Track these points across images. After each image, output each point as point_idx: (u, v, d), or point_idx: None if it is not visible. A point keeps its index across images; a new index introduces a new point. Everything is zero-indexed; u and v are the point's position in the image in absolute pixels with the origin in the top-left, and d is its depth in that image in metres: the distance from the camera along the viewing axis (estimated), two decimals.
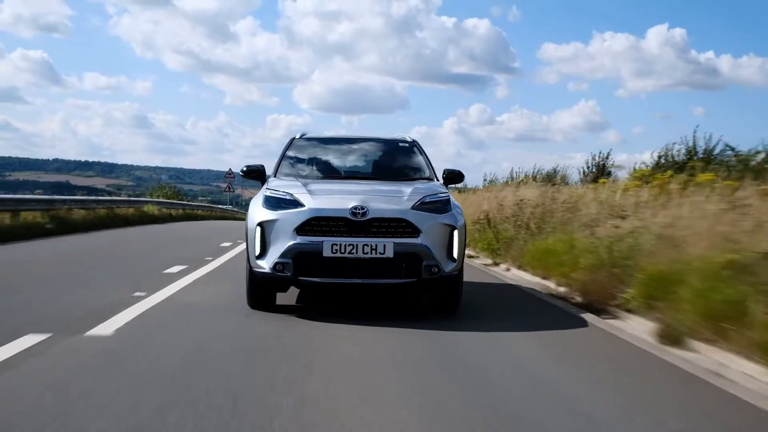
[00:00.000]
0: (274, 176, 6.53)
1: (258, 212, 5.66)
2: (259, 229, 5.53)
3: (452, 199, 5.96)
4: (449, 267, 5.59)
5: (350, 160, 7.23)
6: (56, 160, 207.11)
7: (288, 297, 6.26)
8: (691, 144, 11.21)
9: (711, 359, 4.40)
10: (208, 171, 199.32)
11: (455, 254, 5.64)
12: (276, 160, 7.06)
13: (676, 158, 11.30)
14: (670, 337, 4.81)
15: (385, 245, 5.31)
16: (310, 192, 5.65)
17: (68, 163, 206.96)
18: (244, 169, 6.68)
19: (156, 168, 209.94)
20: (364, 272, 5.36)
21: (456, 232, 5.67)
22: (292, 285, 5.67)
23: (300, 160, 6.93)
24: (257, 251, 5.53)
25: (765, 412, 3.45)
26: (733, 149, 9.59)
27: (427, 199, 5.69)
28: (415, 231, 5.45)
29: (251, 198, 6.47)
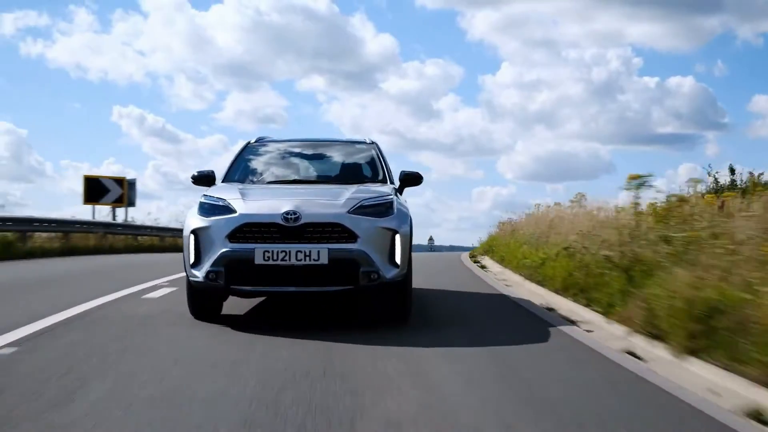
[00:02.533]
0: (222, 181, 6.34)
1: (192, 219, 5.44)
2: (192, 236, 5.32)
3: (397, 202, 5.70)
4: (391, 273, 5.31)
5: (301, 163, 6.98)
6: None
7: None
8: None
9: None
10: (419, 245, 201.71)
11: (398, 260, 5.37)
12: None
13: None
14: None
15: (319, 251, 5.06)
16: (243, 197, 5.45)
17: None
18: (195, 174, 6.41)
19: None
20: (298, 280, 5.13)
21: (398, 237, 5.40)
22: (227, 294, 5.49)
23: (251, 166, 6.71)
24: (192, 260, 5.32)
25: None
26: None
27: (367, 203, 5.44)
28: (351, 236, 5.20)
29: None
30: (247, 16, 68.11)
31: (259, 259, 5.05)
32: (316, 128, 67.53)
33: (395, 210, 5.55)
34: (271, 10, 69.65)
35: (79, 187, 21.48)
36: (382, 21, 72.52)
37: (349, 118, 70.10)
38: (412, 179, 6.45)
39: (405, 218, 5.61)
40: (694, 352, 4.22)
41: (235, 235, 5.16)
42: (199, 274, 5.25)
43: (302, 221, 5.15)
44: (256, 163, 6.81)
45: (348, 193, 5.59)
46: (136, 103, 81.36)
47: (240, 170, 6.58)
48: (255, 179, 6.47)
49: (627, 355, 4.60)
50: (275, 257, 5.05)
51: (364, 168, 6.77)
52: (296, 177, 6.64)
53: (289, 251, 5.05)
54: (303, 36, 68.09)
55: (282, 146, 7.16)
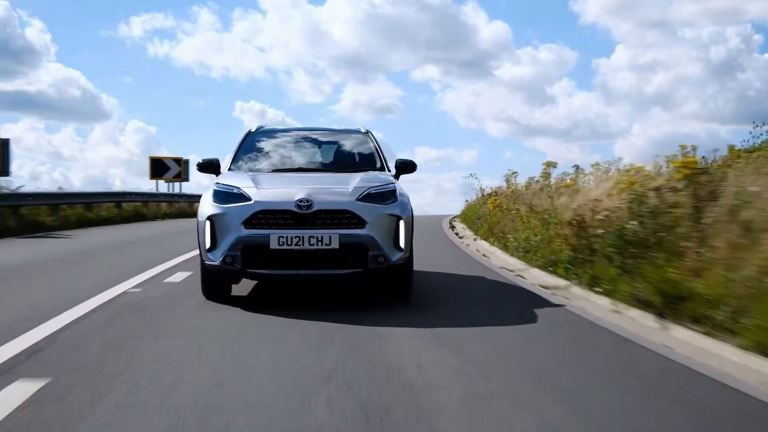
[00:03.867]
0: (228, 170, 6.50)
1: (207, 206, 5.70)
2: (208, 222, 5.58)
3: (399, 188, 5.98)
4: (396, 256, 5.62)
5: (303, 152, 7.18)
6: None
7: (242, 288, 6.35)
8: None
9: None
10: None
11: (402, 244, 5.67)
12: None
13: None
14: None
15: (330, 236, 5.35)
16: (256, 185, 5.68)
17: None
18: (200, 162, 6.63)
19: None
20: (311, 263, 5.41)
21: (402, 222, 5.70)
22: (242, 277, 5.74)
23: (254, 154, 6.91)
24: (208, 244, 5.58)
25: None
26: None
27: (373, 190, 5.71)
28: (360, 222, 5.49)
29: None
30: (361, 9, 66.60)
31: (274, 244, 5.33)
32: (431, 117, 72.34)
33: (398, 197, 5.86)
34: (384, 2, 67.44)
35: (205, 180, 26.50)
36: (494, 8, 72.45)
37: (463, 106, 72.13)
38: (407, 167, 6.66)
39: (406, 205, 5.92)
40: None
41: (250, 222, 5.43)
42: (215, 258, 5.52)
43: (314, 208, 5.43)
44: (260, 152, 7.03)
45: (355, 182, 5.85)
46: (256, 98, 79.84)
47: (245, 158, 6.81)
48: (261, 167, 6.67)
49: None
50: (289, 242, 5.33)
51: (363, 156, 7.01)
52: (300, 165, 6.81)
53: (303, 236, 5.34)
54: (416, 26, 66.32)
55: (282, 135, 7.37)
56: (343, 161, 6.91)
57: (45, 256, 9.77)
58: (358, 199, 5.59)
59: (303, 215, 5.39)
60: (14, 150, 20.94)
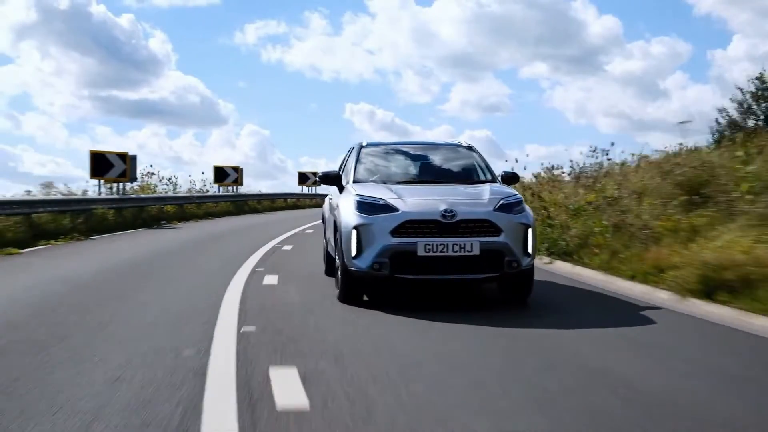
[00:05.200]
0: (353, 182, 6.87)
1: (352, 216, 6.04)
2: (355, 231, 5.92)
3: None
4: (526, 261, 6.03)
5: (418, 164, 7.46)
6: None
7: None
8: None
9: None
10: None
11: (530, 250, 6.08)
12: (343, 165, 7.84)
13: None
14: None
15: (472, 244, 5.74)
16: (400, 197, 6.07)
17: None
18: (321, 175, 7.27)
19: None
20: (454, 269, 5.78)
21: (530, 230, 6.12)
22: (389, 282, 5.97)
23: (372, 166, 7.24)
24: (354, 252, 5.92)
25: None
26: None
27: (505, 201, 6.11)
28: (497, 230, 5.87)
29: None
30: (468, 8, 66.51)
31: (421, 251, 5.72)
32: (540, 114, 72.09)
33: (525, 207, 6.31)
34: (492, 0, 67.79)
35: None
36: (604, 2, 72.04)
37: (572, 102, 71.29)
38: (512, 178, 7.20)
39: (531, 214, 6.36)
40: None
41: (397, 231, 5.80)
42: (362, 265, 5.87)
43: (458, 218, 5.81)
44: (377, 165, 7.33)
45: (486, 194, 6.26)
46: (366, 99, 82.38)
47: (366, 170, 7.14)
48: (384, 179, 6.91)
49: None
50: (435, 249, 5.71)
51: (473, 169, 7.31)
52: (422, 178, 7.11)
53: (447, 244, 5.72)
54: (524, 23, 66.41)
55: (393, 149, 7.75)
56: (458, 173, 7.24)
57: (207, 232, 15.34)
58: (494, 210, 5.98)
59: (447, 224, 5.77)
60: (139, 156, 26.11)
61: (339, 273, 6.32)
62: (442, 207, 5.84)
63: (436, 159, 7.55)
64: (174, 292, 6.81)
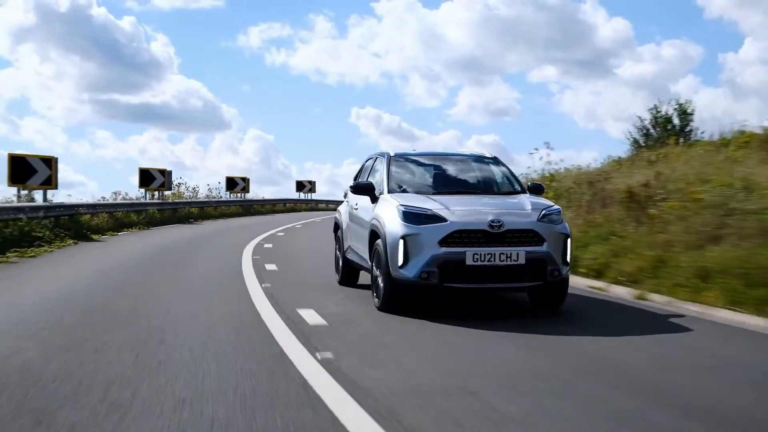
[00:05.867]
0: (388, 192, 6.76)
1: (398, 226, 6.02)
2: (402, 241, 5.90)
3: None
4: (564, 270, 6.11)
5: (450, 175, 7.37)
6: None
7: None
8: None
9: None
10: None
11: (568, 259, 6.19)
12: (368, 175, 7.71)
13: None
14: None
15: (518, 253, 5.81)
16: (446, 207, 6.04)
17: None
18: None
19: None
20: (500, 277, 5.85)
21: (569, 240, 6.21)
22: (437, 290, 5.99)
23: (404, 177, 7.13)
24: (400, 261, 5.90)
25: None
26: None
27: (546, 212, 6.18)
28: (540, 240, 5.94)
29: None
30: (476, 11, 65.44)
31: (469, 260, 5.73)
32: (549, 119, 69.72)
33: (562, 218, 6.35)
34: (500, 3, 66.56)
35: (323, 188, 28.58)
36: (614, 4, 70.70)
37: (582, 106, 69.96)
38: (538, 189, 7.10)
39: (567, 225, 6.37)
40: None
41: (446, 240, 5.78)
42: (409, 274, 5.85)
43: (504, 228, 5.83)
44: (412, 175, 7.25)
45: (528, 204, 6.29)
46: (372, 103, 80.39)
47: (399, 181, 7.00)
48: (422, 190, 6.84)
49: None
50: (483, 258, 5.75)
51: (505, 179, 7.28)
52: (459, 188, 7.02)
53: (494, 253, 5.75)
54: (533, 27, 65.68)
55: (422, 159, 7.56)
56: (491, 184, 7.20)
57: (225, 226, 20.01)
58: (538, 220, 6.04)
59: (494, 234, 5.82)
60: (140, 161, 30.23)
61: (380, 282, 6.22)
62: (490, 217, 5.87)
63: (467, 170, 7.51)
64: (215, 250, 12.19)
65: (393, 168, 7.20)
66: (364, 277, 7.53)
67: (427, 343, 5.07)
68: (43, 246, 11.76)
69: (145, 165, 22.76)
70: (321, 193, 39.29)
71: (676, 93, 64.10)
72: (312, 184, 38.92)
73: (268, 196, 35.88)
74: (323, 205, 38.74)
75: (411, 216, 6.07)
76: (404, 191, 6.81)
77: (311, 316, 5.83)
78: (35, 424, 3.17)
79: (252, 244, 13.15)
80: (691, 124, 21.33)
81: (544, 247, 5.97)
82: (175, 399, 3.53)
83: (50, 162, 14.93)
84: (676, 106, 21.41)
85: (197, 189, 28.79)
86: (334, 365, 4.22)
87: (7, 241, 11.08)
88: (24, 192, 14.79)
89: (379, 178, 7.21)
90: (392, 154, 7.44)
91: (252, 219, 25.05)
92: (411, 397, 3.62)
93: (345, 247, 7.90)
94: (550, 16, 64.59)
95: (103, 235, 15.27)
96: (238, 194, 31.56)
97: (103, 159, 66.58)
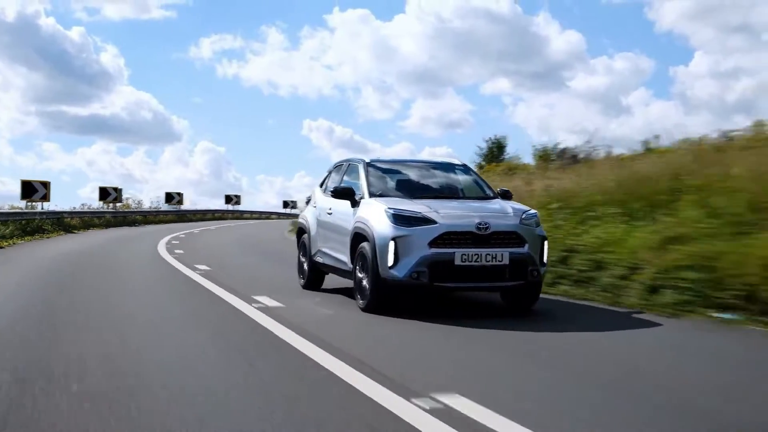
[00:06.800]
0: (369, 196, 6.95)
1: (388, 228, 6.22)
2: (392, 243, 6.10)
3: None
4: (542, 270, 6.42)
5: (426, 180, 7.71)
6: None
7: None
8: None
9: None
10: None
11: (545, 260, 6.47)
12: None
13: None
14: None
15: (503, 254, 6.10)
16: (436, 211, 6.26)
17: None
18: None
19: None
20: (486, 277, 6.13)
21: (545, 242, 6.46)
22: (427, 290, 6.26)
23: (381, 182, 7.36)
24: (390, 262, 6.10)
25: None
26: None
27: (525, 215, 6.47)
28: (522, 242, 6.23)
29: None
30: (429, 23, 65.14)
31: (458, 261, 6.04)
32: (502, 131, 66.25)
33: (539, 221, 6.63)
34: (453, 16, 66.30)
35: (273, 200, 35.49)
36: (567, 18, 70.75)
37: (535, 119, 67.91)
38: (507, 195, 7.36)
39: (543, 228, 6.67)
40: None
41: (435, 242, 6.08)
42: (399, 274, 6.10)
43: (491, 230, 6.15)
44: (391, 181, 7.47)
45: (509, 208, 6.59)
46: (325, 116, 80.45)
47: (380, 186, 7.23)
48: (403, 195, 7.05)
49: None
50: (470, 259, 6.06)
51: (479, 185, 7.63)
52: (436, 193, 7.30)
53: (480, 254, 6.07)
54: (487, 39, 65.68)
55: (398, 166, 7.87)
56: (467, 189, 7.57)
57: (159, 228, 28.05)
58: (520, 223, 6.32)
59: (481, 236, 6.09)
60: (88, 174, 39.92)
61: (365, 284, 6.47)
62: (477, 220, 6.17)
63: (442, 176, 7.84)
64: (144, 239, 19.01)
65: (372, 174, 7.38)
66: (329, 281, 8.29)
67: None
68: (47, 235, 20.77)
69: (94, 178, 30.92)
70: (245, 204, 46.84)
71: (628, 105, 65.30)
72: (238, 197, 47.98)
73: (214, 207, 43.74)
74: (248, 215, 48.05)
75: (401, 218, 6.27)
76: (384, 195, 6.99)
77: (182, 256, 13.70)
78: None
79: (171, 236, 21.16)
80: (505, 153, 26.48)
81: (525, 249, 6.24)
82: (125, 283, 9.82)
83: (46, 185, 24.60)
84: (495, 141, 27.59)
85: (142, 202, 38.05)
86: (185, 261, 12.34)
87: (26, 233, 19.75)
88: (27, 204, 24.50)
89: (356, 183, 7.34)
90: (368, 160, 7.62)
91: (182, 224, 33.52)
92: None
93: (313, 252, 8.06)
94: (503, 28, 64.91)
95: (78, 231, 24.27)
96: (175, 205, 40.61)
97: (50, 172, 66.35)
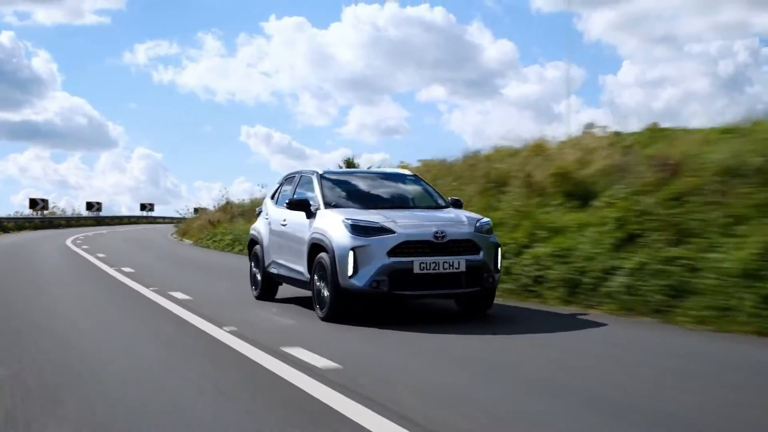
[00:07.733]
0: (325, 207, 6.96)
1: (346, 238, 6.26)
2: (352, 252, 6.16)
3: None
4: (497, 276, 6.59)
5: (380, 191, 7.72)
6: None
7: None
8: None
9: None
10: None
11: (499, 266, 6.66)
12: (298, 192, 7.74)
13: None
14: None
15: (459, 261, 6.26)
16: (393, 220, 6.36)
17: None
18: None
19: None
20: (444, 284, 6.29)
21: (499, 249, 6.68)
22: (387, 298, 6.34)
23: (335, 193, 7.35)
24: (350, 272, 6.15)
25: None
26: None
27: (479, 224, 6.64)
28: (477, 249, 6.39)
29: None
30: (365, 32, 67.05)
31: (416, 269, 6.17)
32: (438, 137, 70.24)
33: (492, 229, 6.84)
34: (389, 24, 67.85)
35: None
36: (499, 27, 73.07)
37: (470, 125, 70.38)
38: (458, 203, 7.51)
39: (496, 236, 6.90)
40: None
41: (394, 251, 6.17)
42: (359, 283, 6.16)
43: (447, 239, 6.30)
44: (345, 192, 7.48)
45: (464, 217, 6.77)
46: (263, 122, 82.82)
47: (334, 197, 7.23)
48: (359, 205, 7.06)
49: None
50: (428, 267, 6.20)
51: (429, 195, 7.75)
52: (394, 204, 7.36)
53: (438, 262, 6.21)
54: (421, 48, 67.39)
55: (351, 177, 8.03)
56: (421, 199, 7.67)
57: (77, 231, 34.22)
58: (475, 231, 6.49)
59: (438, 244, 6.25)
60: (21, 180, 45.40)
61: (324, 293, 6.49)
62: (434, 229, 6.30)
63: (394, 186, 7.86)
64: (63, 236, 26.53)
65: (326, 185, 7.40)
66: (283, 291, 8.21)
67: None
68: None
69: (27, 184, 36.34)
70: (158, 211, 53.24)
71: (560, 113, 67.12)
72: (151, 205, 56.16)
73: (117, 214, 50.74)
74: (161, 220, 54.40)
75: (359, 229, 6.32)
76: (339, 206, 7.00)
77: (82, 246, 21.09)
78: None
79: (81, 235, 27.79)
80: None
81: (480, 256, 6.41)
82: (41, 256, 18.25)
83: (46, 201, 39.52)
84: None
85: (65, 210, 45.39)
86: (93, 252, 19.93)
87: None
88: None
89: (311, 195, 7.37)
90: (320, 171, 7.63)
91: (99, 228, 39.84)
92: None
93: (267, 263, 7.99)
94: (438, 37, 66.06)
95: (13, 231, 33.13)
96: (95, 212, 48.16)
97: None
